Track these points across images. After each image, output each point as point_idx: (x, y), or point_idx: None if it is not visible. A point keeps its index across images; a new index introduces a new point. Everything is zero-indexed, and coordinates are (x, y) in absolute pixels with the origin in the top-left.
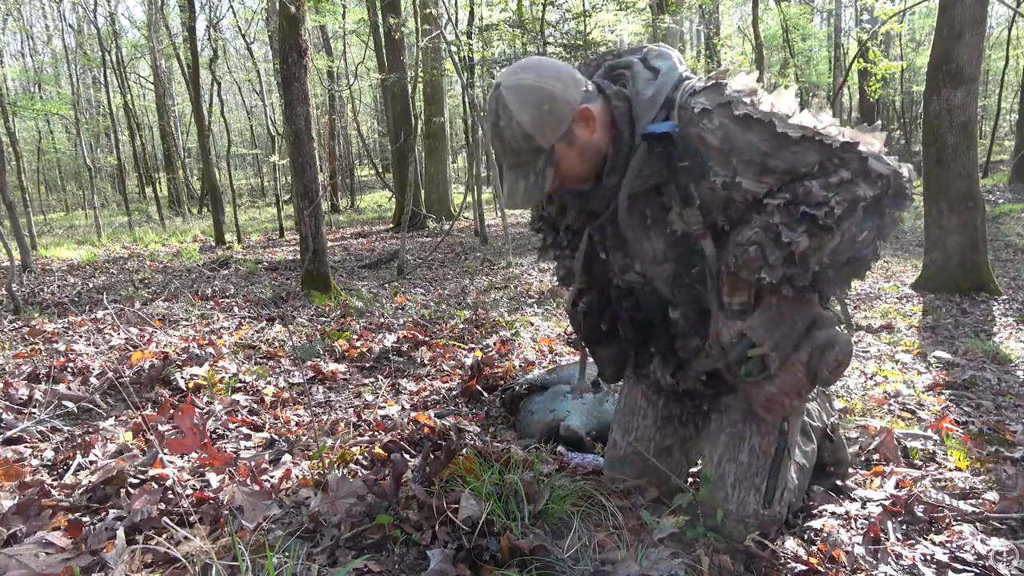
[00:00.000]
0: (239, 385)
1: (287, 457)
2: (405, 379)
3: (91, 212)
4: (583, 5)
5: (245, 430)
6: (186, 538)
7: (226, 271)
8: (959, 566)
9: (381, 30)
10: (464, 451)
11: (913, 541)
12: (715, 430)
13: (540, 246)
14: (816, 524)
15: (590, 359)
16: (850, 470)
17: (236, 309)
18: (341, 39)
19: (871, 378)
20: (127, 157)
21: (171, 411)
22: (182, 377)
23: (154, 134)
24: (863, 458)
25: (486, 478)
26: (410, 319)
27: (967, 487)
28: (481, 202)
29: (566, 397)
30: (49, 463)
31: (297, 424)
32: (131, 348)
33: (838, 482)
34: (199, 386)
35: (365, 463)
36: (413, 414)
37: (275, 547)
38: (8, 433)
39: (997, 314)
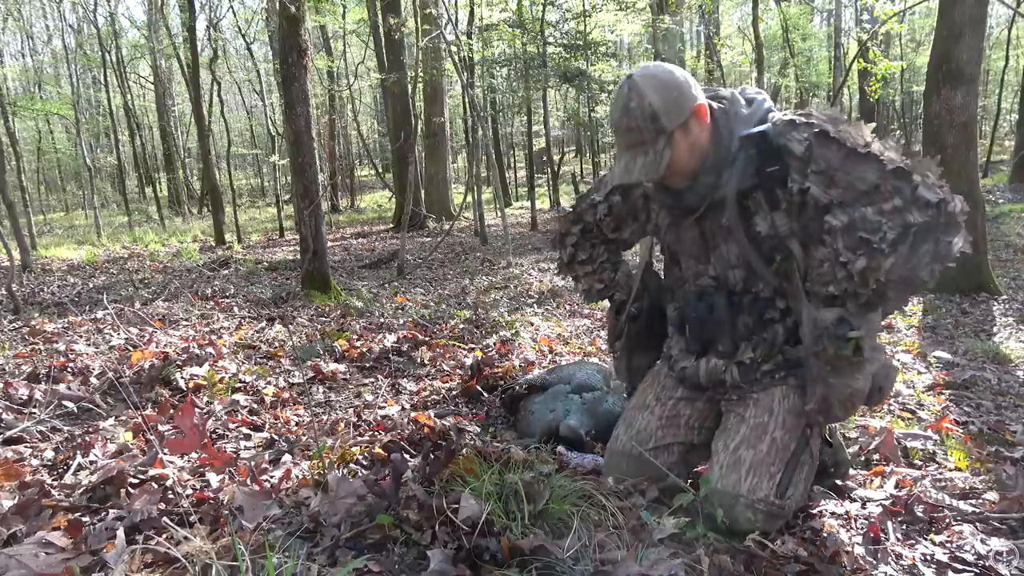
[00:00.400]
0: (239, 385)
1: (287, 457)
2: (405, 379)
3: (91, 212)
4: (583, 5)
5: (245, 430)
6: (186, 538)
7: (226, 271)
8: (959, 566)
9: (381, 30)
10: (464, 451)
11: (913, 541)
12: (734, 423)
13: (563, 261)
14: (816, 524)
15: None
16: (850, 470)
17: (236, 309)
18: (341, 39)
19: None
20: (127, 157)
21: (171, 411)
22: (182, 377)
23: (154, 134)
24: (863, 458)
25: (486, 478)
26: (410, 319)
27: (967, 487)
28: (481, 202)
29: (566, 397)
30: (49, 463)
31: (297, 424)
32: (131, 348)
33: (838, 482)
34: (199, 386)
35: (365, 463)
36: (413, 414)
37: (275, 547)
38: (8, 433)
39: (997, 314)
